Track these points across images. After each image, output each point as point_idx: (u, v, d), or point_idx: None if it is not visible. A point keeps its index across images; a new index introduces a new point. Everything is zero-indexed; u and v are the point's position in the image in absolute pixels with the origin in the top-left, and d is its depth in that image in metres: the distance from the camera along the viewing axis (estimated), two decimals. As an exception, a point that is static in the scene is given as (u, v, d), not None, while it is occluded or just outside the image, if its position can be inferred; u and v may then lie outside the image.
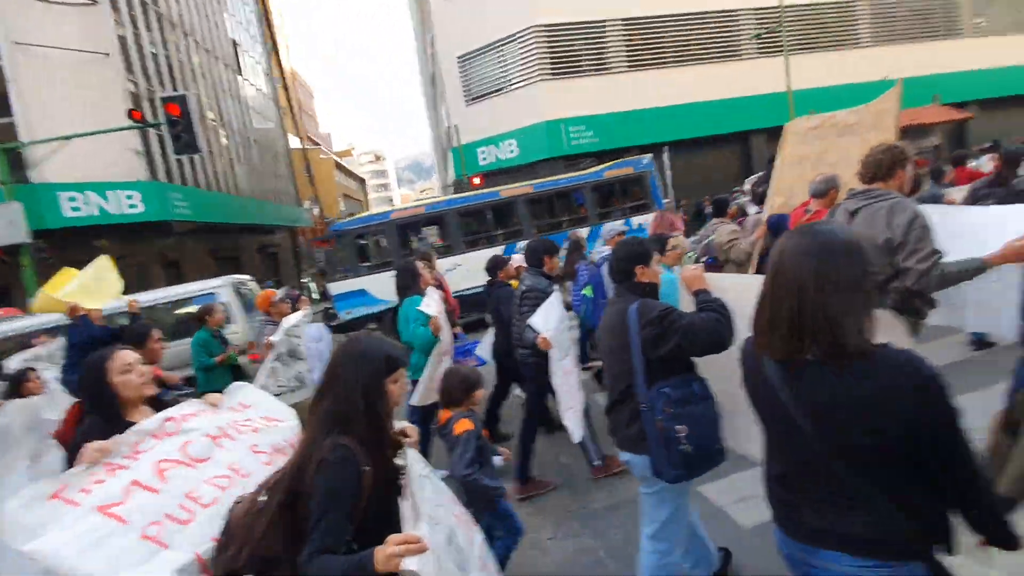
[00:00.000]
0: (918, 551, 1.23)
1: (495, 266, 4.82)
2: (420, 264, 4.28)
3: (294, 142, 54.99)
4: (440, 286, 5.57)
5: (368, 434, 1.49)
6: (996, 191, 4.29)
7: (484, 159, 19.43)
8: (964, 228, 2.73)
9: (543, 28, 17.81)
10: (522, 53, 18.14)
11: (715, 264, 5.02)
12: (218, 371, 4.94)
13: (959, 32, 21.98)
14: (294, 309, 5.14)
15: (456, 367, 2.85)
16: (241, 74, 26.43)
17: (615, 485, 3.72)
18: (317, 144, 61.59)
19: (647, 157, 11.37)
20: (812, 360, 1.24)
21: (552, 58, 18.02)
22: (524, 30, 17.87)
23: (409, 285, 4.08)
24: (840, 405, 1.21)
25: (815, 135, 4.54)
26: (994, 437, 1.64)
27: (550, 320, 3.37)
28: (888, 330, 1.38)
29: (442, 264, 9.50)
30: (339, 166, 60.27)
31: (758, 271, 4.81)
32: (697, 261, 5.13)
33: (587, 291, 5.04)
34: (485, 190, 11.54)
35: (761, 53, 19.37)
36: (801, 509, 1.34)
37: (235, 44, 25.91)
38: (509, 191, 10.62)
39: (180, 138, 10.90)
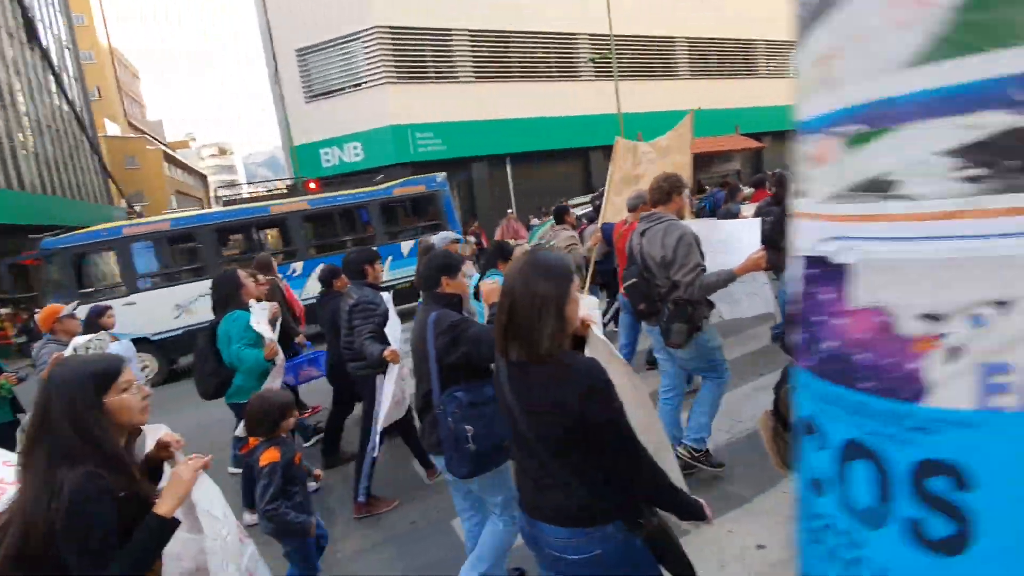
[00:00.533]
0: (608, 520, 1.47)
1: (330, 275, 4.61)
2: (243, 273, 3.80)
3: (112, 129, 47.94)
4: (280, 294, 5.14)
5: (100, 460, 1.40)
6: (774, 209, 4.99)
7: (327, 161, 18.46)
8: (723, 239, 3.34)
9: (388, 29, 17.41)
10: (367, 53, 17.56)
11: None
12: None
13: (757, 72, 25.63)
14: (94, 328, 4.35)
15: (262, 393, 2.64)
16: (32, 46, 22.33)
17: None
18: (142, 132, 54.25)
19: (441, 175, 11.20)
20: (521, 361, 1.48)
21: (398, 61, 17.68)
22: (368, 29, 17.31)
23: (229, 298, 3.62)
24: (537, 400, 1.46)
25: (646, 158, 5.27)
26: (767, 432, 1.83)
27: (394, 331, 3.32)
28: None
29: (192, 291, 8.59)
30: (170, 158, 53.57)
31: (594, 274, 5.65)
32: None
33: None
34: (252, 204, 10.52)
35: (598, 76, 20.84)
36: (524, 489, 1.60)
37: (23, 9, 21.79)
38: (281, 207, 9.71)
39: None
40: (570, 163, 21.32)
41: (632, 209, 4.51)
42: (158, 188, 49.89)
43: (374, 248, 4.39)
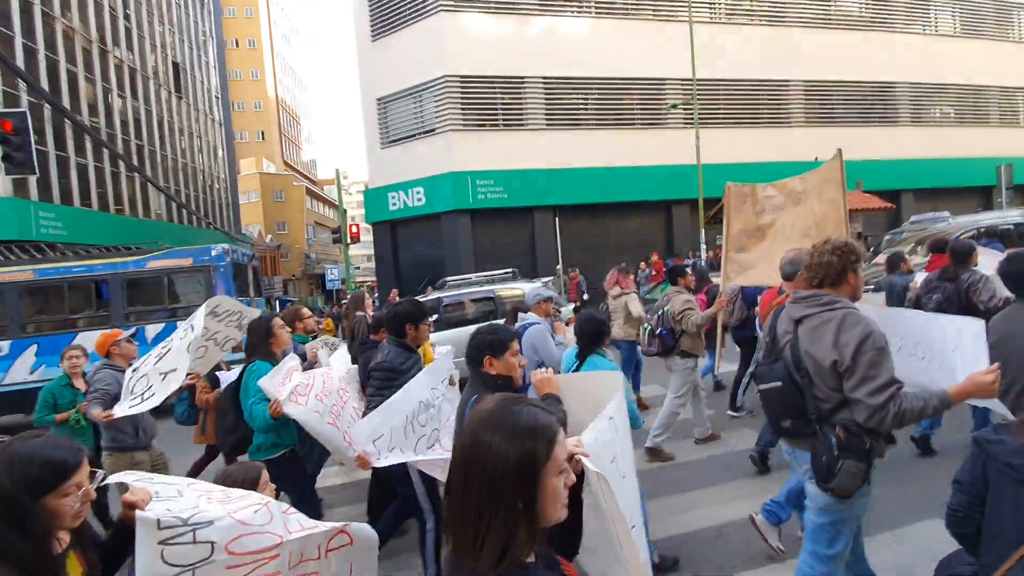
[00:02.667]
0: None
1: (377, 325, 4.07)
2: (278, 322, 3.49)
3: (268, 167, 54.89)
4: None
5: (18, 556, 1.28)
6: (945, 285, 4.30)
7: (394, 205, 18.68)
8: (920, 337, 2.55)
9: (457, 78, 17.37)
10: (436, 101, 17.65)
11: (669, 335, 5.08)
12: (67, 430, 3.90)
13: (894, 120, 21.84)
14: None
15: (228, 469, 2.20)
16: (181, 95, 26.03)
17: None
18: (294, 171, 61.45)
19: (219, 248, 9.41)
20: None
21: (465, 109, 17.51)
22: (439, 78, 17.42)
23: (256, 346, 3.39)
24: None
25: (770, 203, 4.68)
26: None
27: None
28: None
29: None
30: (312, 193, 59.89)
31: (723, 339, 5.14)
32: (652, 332, 5.24)
33: None
34: None
35: (684, 124, 18.97)
36: None
37: (176, 66, 25.60)
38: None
39: (12, 157, 10.07)
40: (649, 217, 19.49)
41: (789, 278, 3.59)
42: (298, 220, 55.96)
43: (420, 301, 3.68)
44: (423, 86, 17.85)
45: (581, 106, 18.44)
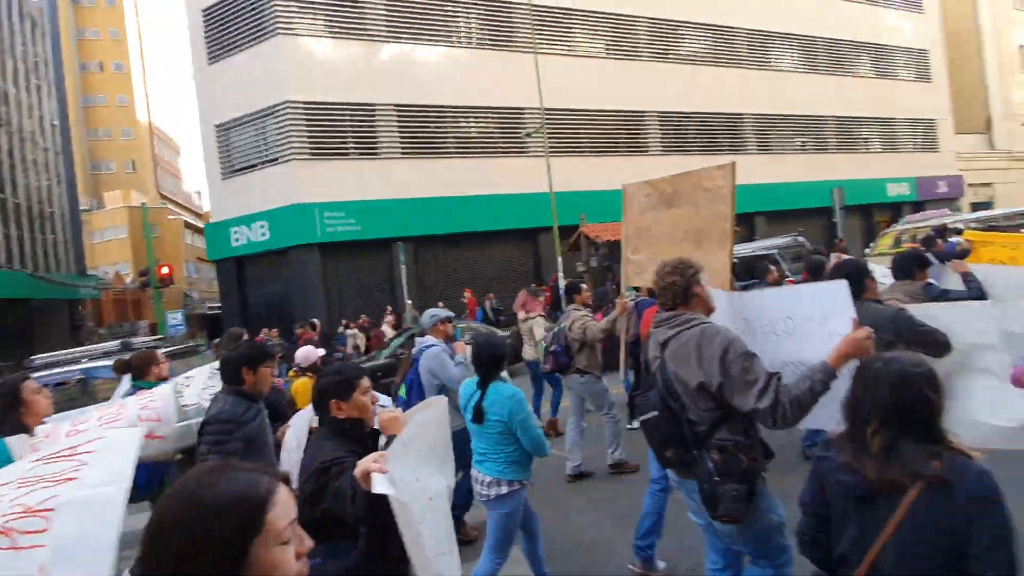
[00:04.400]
0: None
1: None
2: (30, 387, 2.78)
3: (138, 199, 50.20)
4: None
5: None
6: None
7: (237, 240, 17.06)
8: (776, 314, 2.52)
9: (301, 104, 16.28)
10: (278, 128, 16.42)
11: (566, 351, 5.14)
12: None
13: (745, 149, 23.22)
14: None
15: None
16: (6, 126, 22.84)
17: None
18: (172, 203, 56.73)
19: None
20: None
21: (311, 137, 16.41)
22: (280, 104, 16.25)
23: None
24: None
25: (648, 203, 4.62)
26: None
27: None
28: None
29: None
30: (191, 227, 55.40)
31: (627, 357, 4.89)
32: (547, 351, 5.32)
33: (401, 391, 4.32)
34: None
35: (549, 152, 18.98)
36: None
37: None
38: None
39: None
40: (514, 245, 19.18)
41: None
42: (175, 256, 51.43)
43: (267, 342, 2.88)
44: (264, 112, 16.59)
45: (438, 134, 17.91)
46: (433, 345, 4.13)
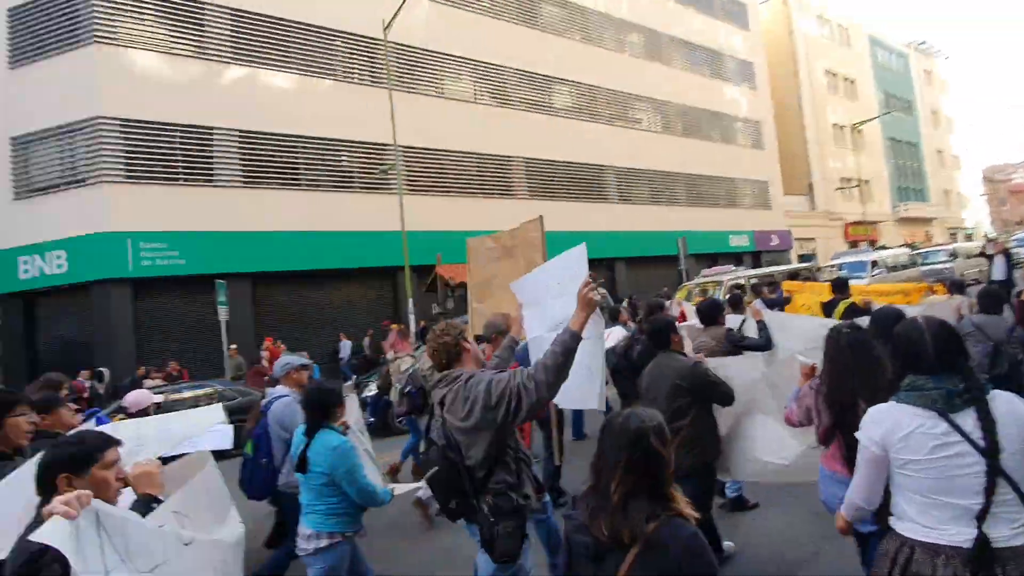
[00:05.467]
0: None
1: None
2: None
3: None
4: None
5: None
6: (643, 338, 4.79)
7: (26, 272, 14.41)
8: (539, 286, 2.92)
9: (117, 121, 14.39)
10: (87, 146, 14.36)
11: (419, 394, 5.19)
12: None
13: (607, 198, 24.40)
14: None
15: None
16: None
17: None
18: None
19: None
20: None
21: (128, 158, 14.49)
22: (91, 119, 14.25)
23: None
24: None
25: (491, 255, 5.21)
26: None
27: None
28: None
29: None
30: None
31: None
32: (401, 392, 5.49)
33: (248, 447, 3.93)
34: None
35: (412, 190, 18.47)
36: None
37: None
38: None
39: None
40: (371, 284, 18.22)
41: (487, 340, 4.05)
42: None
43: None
44: (72, 127, 14.45)
45: (288, 165, 16.72)
46: (285, 395, 3.88)
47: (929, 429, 1.79)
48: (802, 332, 3.89)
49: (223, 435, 3.76)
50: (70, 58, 14.48)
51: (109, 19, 14.55)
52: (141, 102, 14.54)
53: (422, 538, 4.83)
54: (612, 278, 24.27)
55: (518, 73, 22.04)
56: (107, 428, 2.87)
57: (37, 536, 1.36)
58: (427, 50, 19.61)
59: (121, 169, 14.37)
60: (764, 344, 4.32)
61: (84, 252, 13.95)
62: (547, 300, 2.75)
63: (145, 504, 1.97)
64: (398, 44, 18.19)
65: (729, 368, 3.54)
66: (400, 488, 3.42)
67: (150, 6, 15.17)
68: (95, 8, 14.34)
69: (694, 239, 24.30)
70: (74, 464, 1.80)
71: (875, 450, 1.88)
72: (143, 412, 4.33)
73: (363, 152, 18.04)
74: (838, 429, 2.61)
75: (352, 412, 3.66)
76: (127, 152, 14.46)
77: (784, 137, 32.87)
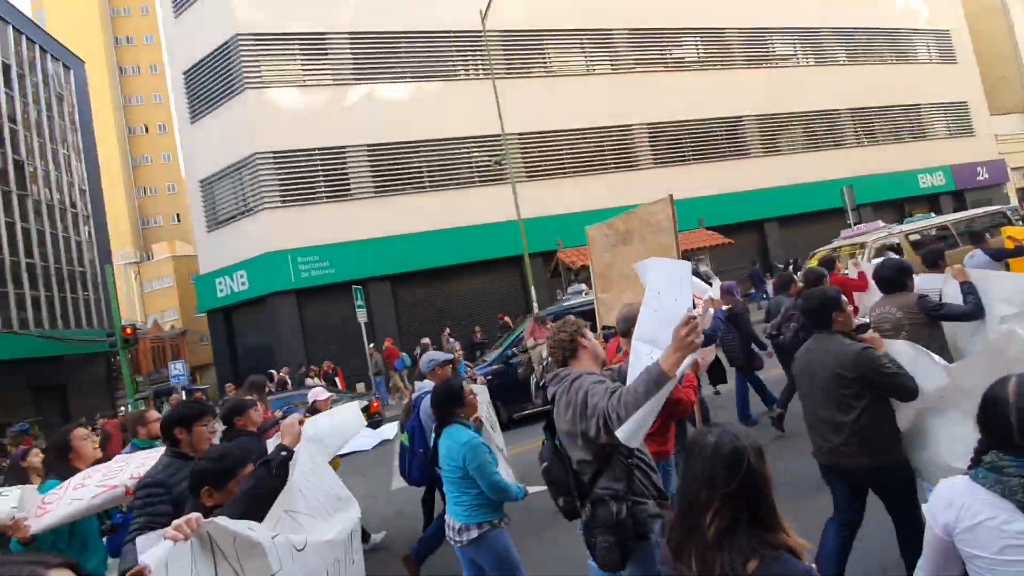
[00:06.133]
0: None
1: (232, 412, 3.62)
2: (79, 434, 3.43)
3: (184, 249, 53.10)
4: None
5: None
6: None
7: (222, 291, 17.39)
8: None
9: (270, 154, 16.53)
10: (250, 179, 16.73)
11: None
12: None
13: (747, 153, 21.88)
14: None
15: None
16: (26, 193, 24.62)
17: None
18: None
19: None
20: None
21: (282, 185, 16.60)
22: (249, 156, 16.56)
23: (51, 464, 3.41)
24: None
25: (608, 242, 4.78)
26: None
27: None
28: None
29: None
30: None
31: None
32: (537, 386, 5.50)
33: (404, 438, 4.32)
34: None
35: (529, 178, 18.48)
36: None
37: (18, 164, 24.34)
38: None
39: None
40: (500, 274, 18.64)
41: (624, 335, 3.54)
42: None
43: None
44: (237, 165, 16.97)
45: (412, 170, 17.76)
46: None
47: (1003, 524, 1.48)
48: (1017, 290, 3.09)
49: (374, 436, 4.14)
50: (229, 106, 16.94)
51: (254, 65, 16.68)
52: (286, 134, 16.53)
53: (543, 536, 4.64)
54: (762, 242, 21.82)
55: (631, 33, 20.60)
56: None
57: (142, 556, 1.49)
58: (532, 31, 19.25)
59: (277, 195, 16.52)
60: (972, 311, 3.44)
61: (258, 270, 16.39)
62: (650, 304, 2.39)
63: (280, 451, 2.23)
64: (501, 31, 18.12)
65: (902, 355, 2.70)
66: (534, 488, 3.32)
67: (285, 45, 17.06)
68: (243, 58, 16.55)
69: (867, 186, 20.84)
70: (216, 478, 2.10)
71: (940, 534, 1.61)
72: (312, 408, 4.97)
73: (478, 146, 18.42)
74: None
75: (482, 407, 3.73)
76: (280, 180, 16.57)
77: (984, 45, 26.27)
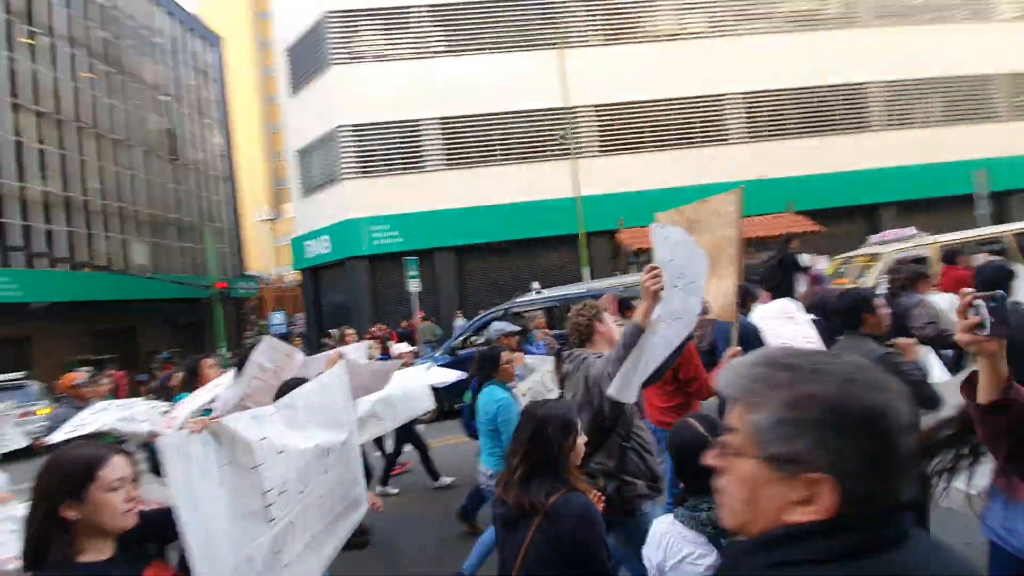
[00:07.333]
0: None
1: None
2: (206, 363, 3.95)
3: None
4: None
5: None
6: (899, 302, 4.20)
7: (310, 252, 19.13)
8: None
9: (350, 127, 17.57)
10: (335, 151, 17.96)
11: None
12: None
13: (866, 126, 19.19)
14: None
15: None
16: (176, 158, 28.53)
17: None
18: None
19: None
20: None
21: (360, 157, 17.63)
22: (334, 128, 17.74)
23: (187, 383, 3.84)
24: None
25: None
26: None
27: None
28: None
29: None
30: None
31: None
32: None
33: (467, 396, 4.56)
34: None
35: (602, 151, 17.86)
36: None
37: (170, 133, 28.21)
38: None
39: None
40: (567, 251, 18.39)
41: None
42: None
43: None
44: (327, 136, 18.27)
45: (483, 143, 17.93)
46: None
47: (697, 559, 1.61)
48: None
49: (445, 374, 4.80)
50: (321, 81, 18.17)
51: (343, 41, 17.65)
52: (366, 107, 17.44)
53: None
54: (874, 230, 19.19)
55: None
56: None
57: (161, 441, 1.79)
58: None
59: (356, 166, 17.61)
60: None
61: (339, 236, 17.76)
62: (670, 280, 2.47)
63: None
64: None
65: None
66: None
67: (368, 21, 17.81)
68: (330, 34, 17.57)
69: (1009, 169, 17.48)
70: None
71: (656, 574, 1.76)
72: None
73: (551, 118, 18.04)
74: None
75: (537, 375, 4.20)
76: (359, 151, 17.62)
77: None
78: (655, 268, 2.21)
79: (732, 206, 3.93)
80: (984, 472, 2.06)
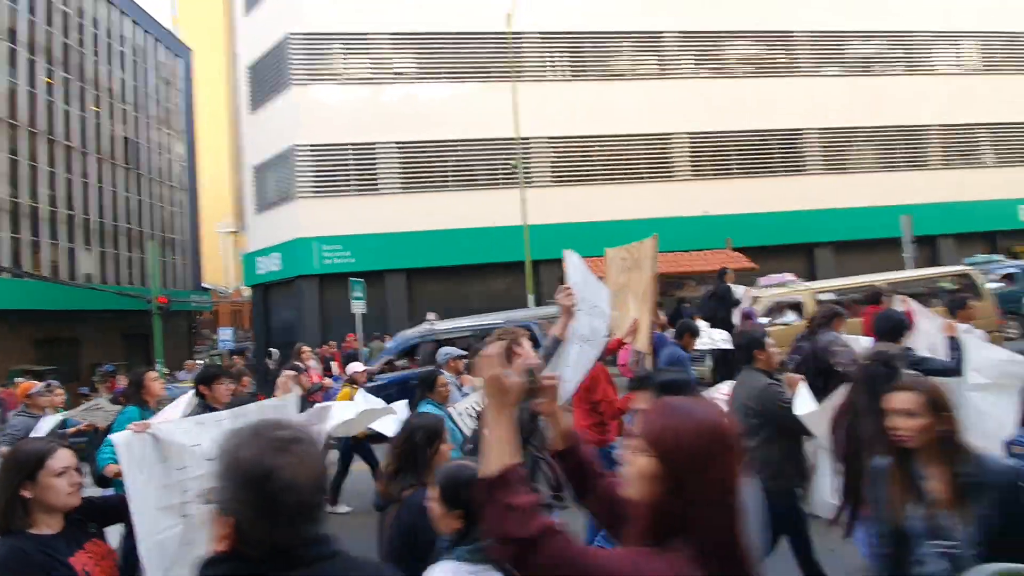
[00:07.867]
0: None
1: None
2: (151, 375, 3.98)
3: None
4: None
5: None
6: (803, 346, 4.73)
7: (260, 269, 19.07)
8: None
9: (308, 147, 17.78)
10: (291, 170, 18.10)
11: None
12: None
13: (802, 169, 20.27)
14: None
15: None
16: (129, 167, 28.15)
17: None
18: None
19: None
20: None
21: (317, 176, 17.81)
22: (291, 147, 17.91)
23: (129, 396, 3.98)
24: None
25: (623, 266, 5.35)
26: None
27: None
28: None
29: None
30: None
31: None
32: None
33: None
34: None
35: (555, 182, 18.43)
36: None
37: (128, 142, 27.89)
38: None
39: None
40: (508, 278, 18.73)
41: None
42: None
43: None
44: (283, 155, 18.41)
45: (438, 169, 18.33)
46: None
47: None
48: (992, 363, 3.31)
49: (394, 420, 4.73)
50: (280, 99, 18.38)
51: (303, 62, 17.95)
52: (323, 129, 17.68)
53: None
54: (810, 267, 20.18)
55: (680, 36, 19.70)
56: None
57: (115, 436, 2.44)
58: (565, 32, 19.01)
59: (310, 186, 17.77)
60: (953, 367, 3.64)
61: (289, 254, 17.79)
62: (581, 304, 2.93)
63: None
64: (539, 33, 18.10)
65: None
66: None
67: (334, 44, 18.17)
68: (291, 54, 17.86)
69: (956, 213, 18.71)
70: None
71: None
72: (351, 379, 5.71)
73: (504, 148, 18.55)
74: None
75: (467, 400, 4.32)
76: (315, 172, 17.80)
77: None
78: (568, 287, 2.62)
79: (649, 250, 4.77)
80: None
